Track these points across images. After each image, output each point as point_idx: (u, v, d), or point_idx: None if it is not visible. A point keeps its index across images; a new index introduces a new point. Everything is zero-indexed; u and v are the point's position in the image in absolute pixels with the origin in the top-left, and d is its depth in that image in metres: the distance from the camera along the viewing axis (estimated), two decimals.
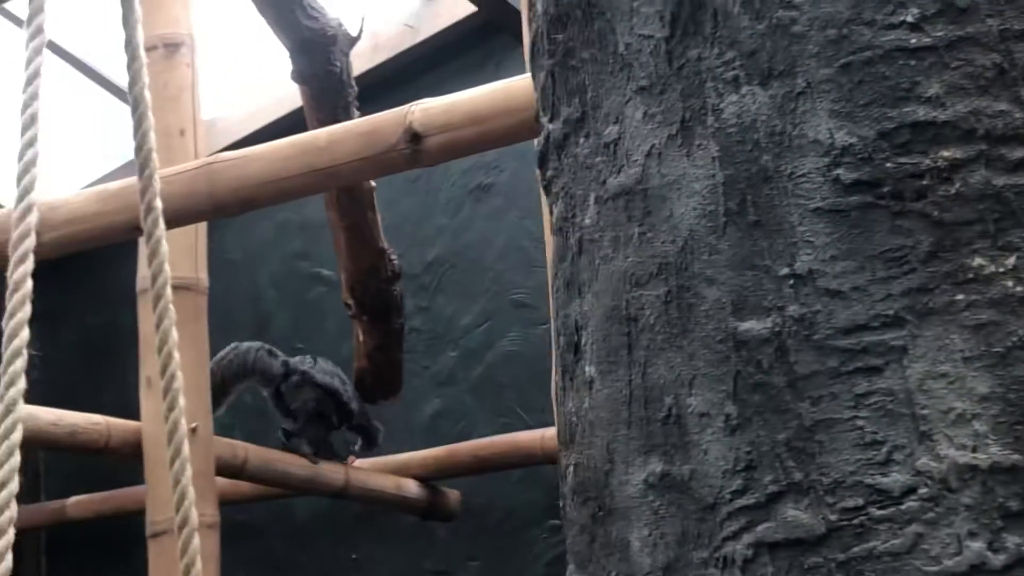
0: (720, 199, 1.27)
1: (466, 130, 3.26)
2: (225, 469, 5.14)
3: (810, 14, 1.24)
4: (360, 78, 5.87)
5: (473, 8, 6.17)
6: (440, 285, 6.56)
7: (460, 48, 6.43)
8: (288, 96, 6.00)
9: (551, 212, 1.50)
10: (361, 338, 5.67)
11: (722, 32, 1.29)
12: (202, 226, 4.88)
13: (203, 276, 4.98)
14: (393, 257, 5.36)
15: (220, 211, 3.91)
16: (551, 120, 1.47)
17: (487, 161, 6.24)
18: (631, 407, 1.32)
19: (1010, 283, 1.17)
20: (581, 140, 1.41)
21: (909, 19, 1.22)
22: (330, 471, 5.63)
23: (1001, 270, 1.17)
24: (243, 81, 7.15)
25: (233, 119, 7.13)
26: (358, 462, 5.82)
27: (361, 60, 6.28)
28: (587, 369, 1.38)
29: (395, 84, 6.39)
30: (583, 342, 1.39)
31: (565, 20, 1.43)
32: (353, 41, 4.70)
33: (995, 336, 1.16)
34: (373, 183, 5.00)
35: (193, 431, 4.75)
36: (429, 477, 5.96)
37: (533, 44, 1.50)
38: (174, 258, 4.73)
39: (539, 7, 1.48)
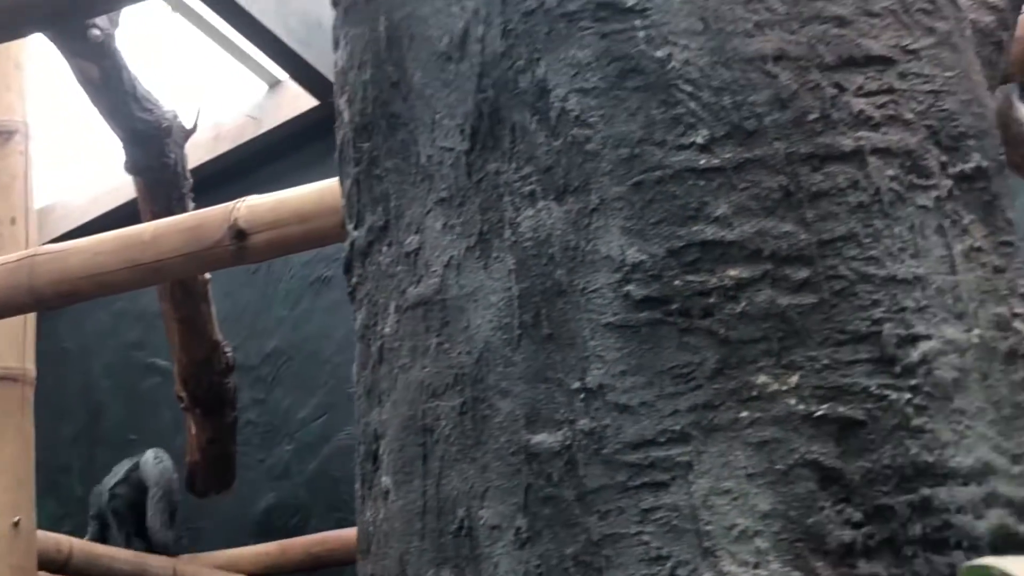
0: (515, 312, 1.28)
1: (292, 228, 3.25)
2: (48, 564, 5.00)
3: (604, 133, 1.27)
4: (202, 168, 5.84)
5: (316, 102, 6.18)
6: (278, 377, 6.50)
7: (302, 141, 6.43)
8: (127, 184, 5.94)
9: (355, 319, 1.50)
10: (194, 431, 5.59)
11: (520, 147, 1.30)
12: (31, 316, 4.78)
13: (31, 367, 4.87)
14: (227, 350, 5.30)
15: (41, 304, 3.84)
16: (356, 227, 1.47)
17: (327, 254, 6.22)
18: (424, 518, 1.31)
19: (793, 401, 1.19)
20: (384, 248, 1.42)
21: (699, 140, 1.24)
22: (158, 566, 5.52)
23: (784, 388, 1.19)
24: (84, 167, 7.07)
25: (72, 205, 7.04)
26: (187, 556, 5.72)
27: (202, 150, 6.25)
28: (384, 479, 1.37)
29: (237, 175, 6.36)
30: (381, 451, 1.39)
31: (370, 129, 1.44)
32: (188, 133, 4.67)
33: (777, 453, 1.18)
34: (208, 275, 4.95)
35: (15, 525, 4.63)
36: (261, 574, 5.86)
37: (340, 151, 1.51)
38: (0, 348, 4.64)
39: (346, 115, 1.49)
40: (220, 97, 6.58)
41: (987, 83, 1.53)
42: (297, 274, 6.50)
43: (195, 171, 4.96)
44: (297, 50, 5.77)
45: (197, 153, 5.58)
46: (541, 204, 1.28)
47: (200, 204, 4.59)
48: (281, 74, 6.31)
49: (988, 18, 1.61)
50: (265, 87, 6.54)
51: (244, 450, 6.01)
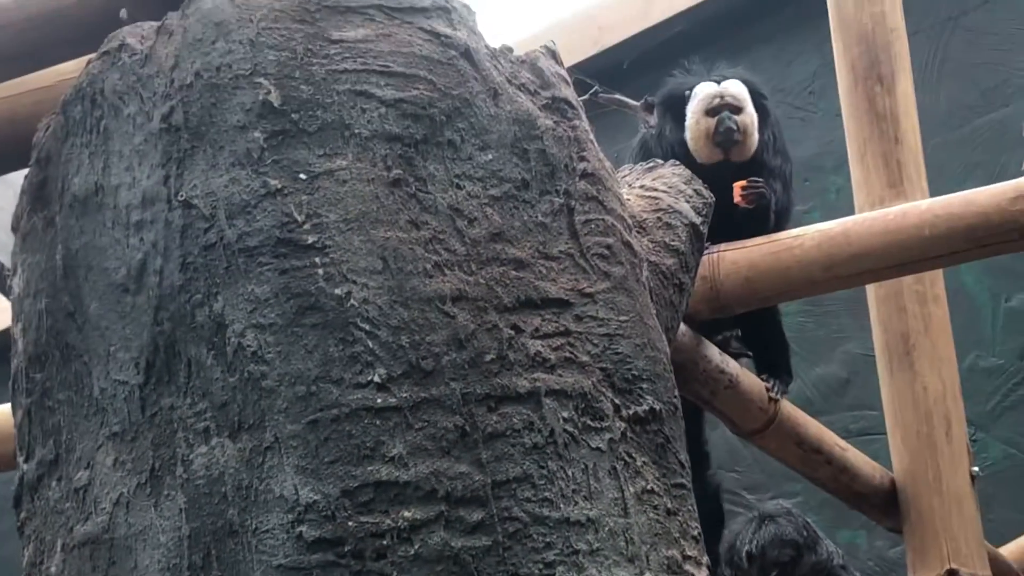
0: (185, 552, 1.24)
1: None
2: None
3: (280, 370, 1.25)
4: None
5: None
6: None
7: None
8: None
9: (23, 556, 1.43)
10: None
11: (195, 382, 1.28)
12: None
13: None
14: None
15: None
16: (26, 460, 1.42)
17: None
18: None
19: None
20: (54, 483, 1.37)
21: (376, 379, 1.24)
22: None
23: None
24: None
25: None
26: None
27: None
28: None
29: None
30: None
31: (44, 359, 1.40)
32: None
33: None
34: None
35: None
36: None
37: (13, 381, 1.46)
38: None
39: (20, 344, 1.44)
40: None
41: (667, 324, 1.57)
42: None
43: None
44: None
45: None
46: (215, 441, 1.26)
47: None
48: None
49: (670, 261, 1.66)
50: None
51: None
